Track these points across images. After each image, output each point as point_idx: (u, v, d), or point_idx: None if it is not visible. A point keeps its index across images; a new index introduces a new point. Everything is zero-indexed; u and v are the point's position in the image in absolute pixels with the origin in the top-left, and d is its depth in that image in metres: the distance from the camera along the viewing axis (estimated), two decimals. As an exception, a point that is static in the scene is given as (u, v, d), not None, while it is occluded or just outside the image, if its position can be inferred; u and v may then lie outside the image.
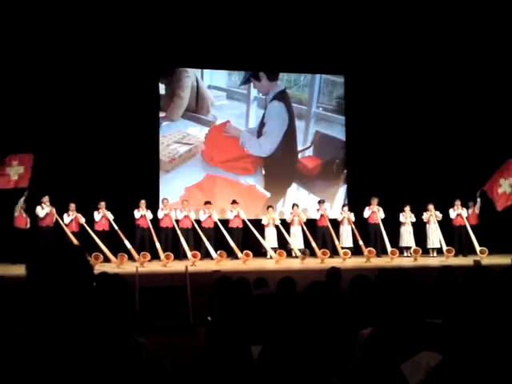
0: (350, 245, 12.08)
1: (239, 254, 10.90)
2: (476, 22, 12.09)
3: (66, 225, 10.90)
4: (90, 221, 11.14)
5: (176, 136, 13.00)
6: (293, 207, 12.32)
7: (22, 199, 10.89)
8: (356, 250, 11.78)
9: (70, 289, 1.47)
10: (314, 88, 13.77)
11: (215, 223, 11.67)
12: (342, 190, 13.65)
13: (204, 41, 12.16)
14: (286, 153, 13.50)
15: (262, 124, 13.42)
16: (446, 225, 12.22)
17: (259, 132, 13.42)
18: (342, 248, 11.61)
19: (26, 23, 11.12)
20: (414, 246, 11.71)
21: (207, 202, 11.89)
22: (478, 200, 12.36)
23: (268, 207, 12.31)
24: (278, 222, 12.00)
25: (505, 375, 1.46)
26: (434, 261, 11.25)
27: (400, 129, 13.12)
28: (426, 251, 12.03)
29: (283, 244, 11.90)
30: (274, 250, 11.46)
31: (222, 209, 12.58)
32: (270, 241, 11.89)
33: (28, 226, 11.10)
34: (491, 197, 11.71)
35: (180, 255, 11.20)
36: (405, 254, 12.17)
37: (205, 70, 13.26)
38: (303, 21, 12.21)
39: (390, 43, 12.77)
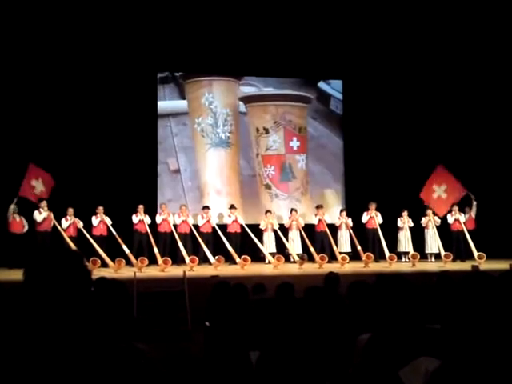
0: (348, 250, 12.06)
1: (237, 259, 10.88)
2: (474, 27, 12.15)
3: (64, 229, 10.87)
4: (88, 226, 11.12)
5: (174, 141, 12.98)
6: (291, 212, 12.31)
7: (12, 206, 10.83)
8: (354, 255, 11.75)
9: (67, 294, 1.47)
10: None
11: (213, 228, 11.67)
12: (340, 195, 13.64)
13: (202, 47, 12.18)
14: (284, 158, 13.50)
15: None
16: (444, 230, 12.22)
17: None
18: (340, 253, 11.58)
19: (26, 26, 11.13)
20: (412, 251, 11.69)
21: (205, 207, 11.88)
22: (474, 204, 12.40)
23: (266, 212, 12.31)
24: (276, 227, 11.99)
25: (503, 380, 1.46)
26: (432, 266, 11.24)
27: (398, 133, 13.14)
28: (424, 256, 12.02)
29: (281, 249, 11.89)
30: (272, 254, 11.44)
31: (220, 214, 12.57)
32: (268, 246, 11.89)
33: (25, 229, 11.02)
34: (428, 203, 11.94)
35: (178, 260, 11.18)
36: (403, 259, 12.17)
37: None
38: (301, 26, 12.24)
39: (388, 48, 12.81)
